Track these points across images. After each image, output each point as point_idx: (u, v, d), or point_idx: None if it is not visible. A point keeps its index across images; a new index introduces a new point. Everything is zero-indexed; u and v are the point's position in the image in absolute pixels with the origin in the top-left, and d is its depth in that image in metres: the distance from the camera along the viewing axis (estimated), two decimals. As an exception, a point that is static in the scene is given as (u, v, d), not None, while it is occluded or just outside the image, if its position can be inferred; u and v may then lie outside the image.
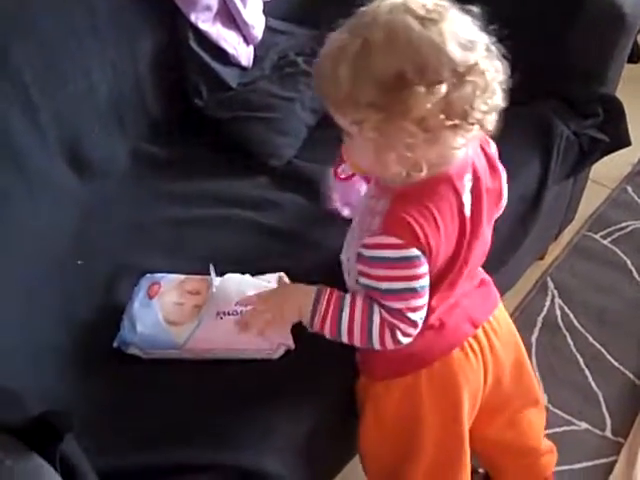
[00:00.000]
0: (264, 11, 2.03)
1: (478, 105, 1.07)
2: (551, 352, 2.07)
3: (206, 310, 1.35)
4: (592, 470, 1.81)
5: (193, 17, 1.84)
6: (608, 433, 1.89)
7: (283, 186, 1.74)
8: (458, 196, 1.17)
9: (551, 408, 1.92)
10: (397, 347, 1.21)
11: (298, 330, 1.33)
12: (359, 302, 1.20)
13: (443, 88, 1.03)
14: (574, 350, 2.08)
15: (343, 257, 1.33)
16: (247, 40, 1.98)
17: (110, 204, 1.69)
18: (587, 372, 2.02)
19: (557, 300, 2.22)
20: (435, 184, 1.14)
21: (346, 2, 2.12)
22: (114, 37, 1.76)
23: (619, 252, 2.39)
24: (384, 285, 1.16)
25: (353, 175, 1.48)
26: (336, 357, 1.35)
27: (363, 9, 1.09)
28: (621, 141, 1.97)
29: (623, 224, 2.49)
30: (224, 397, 1.30)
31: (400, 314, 1.17)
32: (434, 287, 1.21)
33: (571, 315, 2.17)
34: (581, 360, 2.05)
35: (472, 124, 1.08)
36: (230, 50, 1.93)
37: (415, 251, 1.12)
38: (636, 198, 2.59)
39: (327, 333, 1.23)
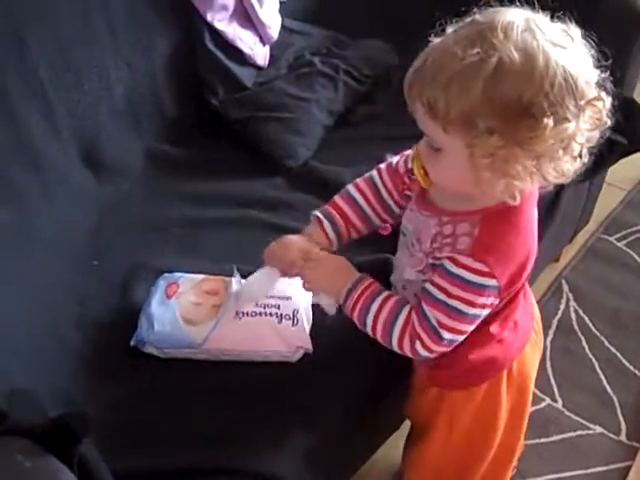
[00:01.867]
0: (280, 11, 2.03)
1: (579, 139, 1.03)
2: (566, 355, 2.05)
3: (225, 310, 1.35)
4: (607, 475, 1.80)
5: (209, 16, 1.84)
6: (623, 437, 1.87)
7: (298, 187, 1.74)
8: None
9: (566, 412, 1.91)
10: (414, 356, 1.19)
11: (316, 334, 1.33)
12: (391, 301, 1.18)
13: (572, 126, 1.00)
14: (589, 353, 2.07)
15: (395, 278, 1.29)
16: (263, 40, 1.97)
17: (125, 204, 1.69)
18: (602, 376, 2.01)
19: (572, 303, 2.20)
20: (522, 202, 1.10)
21: (361, 3, 2.17)
22: (130, 37, 1.76)
23: (634, 255, 2.38)
24: (442, 297, 1.12)
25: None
26: (354, 362, 1.35)
27: (479, 19, 1.02)
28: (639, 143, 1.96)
29: (638, 227, 2.48)
30: (239, 400, 1.30)
31: (431, 326, 1.13)
32: (515, 296, 1.21)
33: (586, 318, 2.16)
34: (596, 364, 2.04)
35: (575, 158, 1.05)
36: (246, 50, 1.92)
37: (494, 282, 1.09)
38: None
39: (356, 321, 1.21)
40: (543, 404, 1.92)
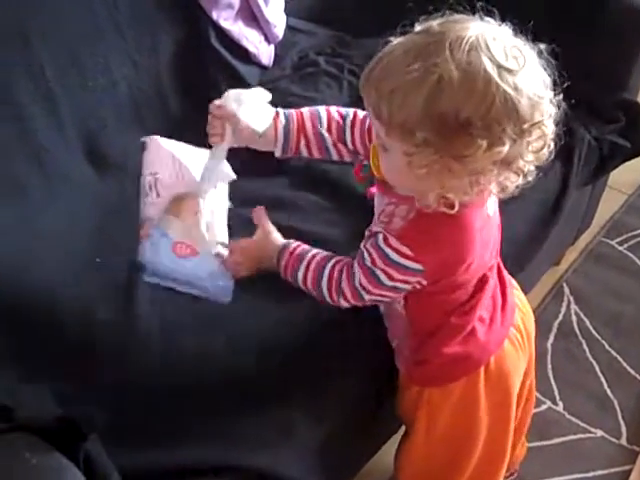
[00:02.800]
0: (285, 10, 2.02)
1: (528, 157, 1.07)
2: (566, 358, 2.06)
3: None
4: (607, 478, 1.81)
5: (215, 15, 1.84)
6: (624, 441, 1.88)
7: (302, 186, 1.72)
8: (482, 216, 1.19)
9: (566, 415, 1.91)
10: (337, 304, 1.30)
11: (320, 330, 1.33)
12: (317, 257, 1.32)
13: (505, 148, 1.02)
14: (590, 357, 2.07)
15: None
16: (268, 39, 1.97)
17: (128, 200, 1.68)
18: (603, 379, 2.02)
19: (573, 306, 2.21)
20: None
21: (365, 3, 2.17)
22: (136, 34, 1.76)
23: (635, 258, 2.39)
24: (369, 263, 1.21)
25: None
26: (359, 357, 1.35)
27: (434, 28, 1.04)
28: (643, 147, 1.96)
29: (639, 230, 2.48)
30: (242, 395, 1.29)
31: (355, 285, 1.25)
32: (480, 289, 1.26)
33: (587, 321, 2.16)
34: (597, 367, 2.04)
35: (517, 173, 1.09)
36: (251, 48, 1.92)
37: (418, 266, 1.16)
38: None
39: (289, 277, 1.35)
40: (544, 407, 1.92)
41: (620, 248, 2.42)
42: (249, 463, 1.22)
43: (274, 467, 1.23)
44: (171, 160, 1.57)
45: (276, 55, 2.00)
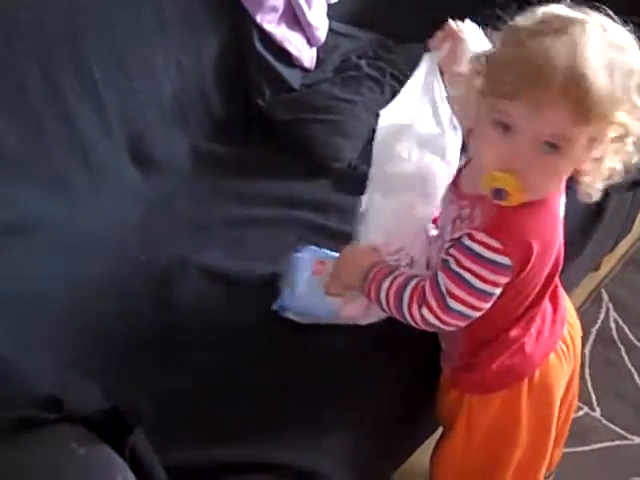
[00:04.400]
0: (328, 14, 2.04)
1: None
2: (605, 365, 2.04)
3: None
4: (644, 485, 1.79)
5: (259, 18, 1.86)
6: (661, 448, 1.86)
7: (344, 188, 1.73)
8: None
9: (604, 421, 1.90)
10: (424, 325, 1.19)
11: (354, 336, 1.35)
12: (402, 277, 1.21)
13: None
14: (628, 363, 2.05)
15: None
16: (310, 42, 1.99)
17: (172, 201, 1.71)
18: (641, 386, 2.00)
19: (612, 312, 2.19)
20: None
21: (408, 8, 2.17)
22: (180, 36, 1.79)
23: (675, 265, 2.36)
24: (454, 266, 1.14)
25: None
26: (395, 358, 1.37)
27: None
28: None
29: (680, 237, 2.46)
30: (280, 393, 1.30)
31: (440, 293, 1.15)
32: (537, 302, 1.24)
33: (625, 328, 2.15)
34: (635, 374, 2.02)
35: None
36: (294, 52, 1.94)
37: (507, 260, 1.11)
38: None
39: (374, 301, 1.24)
40: (581, 413, 1.91)
41: (656, 250, 2.40)
42: (287, 461, 1.23)
43: (312, 465, 1.24)
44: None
45: (318, 58, 2.02)
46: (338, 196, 1.72)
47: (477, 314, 1.16)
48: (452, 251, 1.14)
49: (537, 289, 1.22)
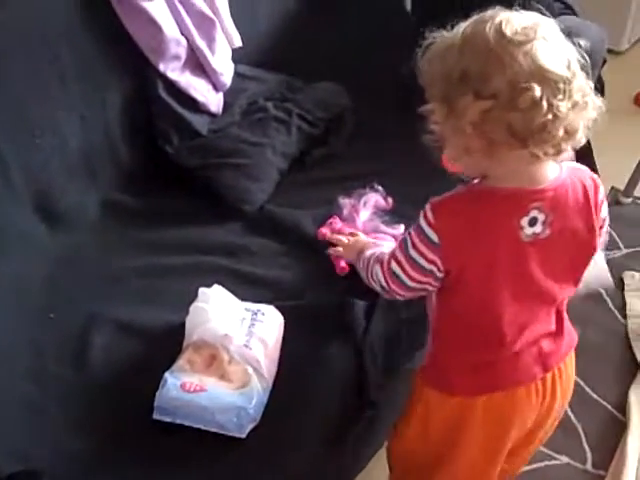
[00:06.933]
0: (232, 58, 2.05)
1: (540, 131, 1.07)
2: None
3: None
4: (575, 504, 1.81)
5: (162, 66, 1.86)
6: (589, 466, 1.89)
7: (256, 231, 1.74)
8: (510, 218, 1.16)
9: (532, 443, 1.91)
10: (375, 285, 1.34)
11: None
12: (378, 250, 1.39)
13: (491, 103, 1.06)
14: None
15: None
16: (216, 87, 1.99)
17: (82, 255, 1.69)
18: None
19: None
20: (491, 194, 1.16)
21: (314, 47, 2.20)
22: (83, 89, 1.77)
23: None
24: (406, 235, 1.23)
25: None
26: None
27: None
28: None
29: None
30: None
31: (389, 255, 1.28)
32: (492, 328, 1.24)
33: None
34: (561, 394, 2.05)
35: (525, 147, 1.08)
36: (199, 98, 1.94)
37: (435, 236, 1.17)
38: (609, 229, 2.60)
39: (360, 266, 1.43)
40: (509, 436, 1.92)
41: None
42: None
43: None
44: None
45: (225, 102, 2.02)
46: (250, 239, 1.73)
47: (414, 285, 1.25)
48: None
49: (497, 302, 1.22)
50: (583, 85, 1.10)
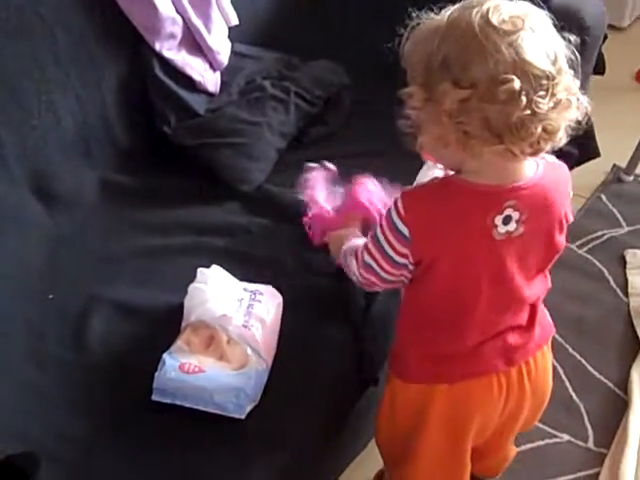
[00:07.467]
0: (229, 36, 2.03)
1: (517, 127, 1.04)
2: (531, 365, 2.06)
3: None
4: (576, 482, 1.81)
5: (157, 45, 1.84)
6: (590, 444, 1.88)
7: (254, 211, 1.74)
8: (484, 216, 1.14)
9: (533, 421, 1.91)
10: (351, 274, 1.30)
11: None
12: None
13: (469, 92, 1.03)
14: (554, 361, 2.06)
15: None
16: (213, 66, 1.97)
17: (79, 235, 1.68)
18: (567, 383, 2.02)
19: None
20: (465, 189, 1.14)
21: (311, 25, 2.18)
22: (78, 69, 1.75)
23: (595, 261, 2.39)
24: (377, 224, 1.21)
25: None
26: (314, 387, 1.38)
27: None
28: (590, 153, 1.98)
29: (599, 233, 2.49)
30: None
31: (363, 247, 1.25)
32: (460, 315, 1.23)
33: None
34: (561, 371, 2.04)
35: (501, 143, 1.05)
36: (196, 77, 1.92)
37: (405, 229, 1.15)
38: (610, 207, 2.59)
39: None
40: (510, 415, 1.92)
41: (580, 251, 2.42)
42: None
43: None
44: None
45: (222, 82, 2.00)
46: (248, 218, 1.72)
47: (386, 276, 1.23)
48: None
49: (468, 297, 1.22)
50: (569, 83, 1.07)
